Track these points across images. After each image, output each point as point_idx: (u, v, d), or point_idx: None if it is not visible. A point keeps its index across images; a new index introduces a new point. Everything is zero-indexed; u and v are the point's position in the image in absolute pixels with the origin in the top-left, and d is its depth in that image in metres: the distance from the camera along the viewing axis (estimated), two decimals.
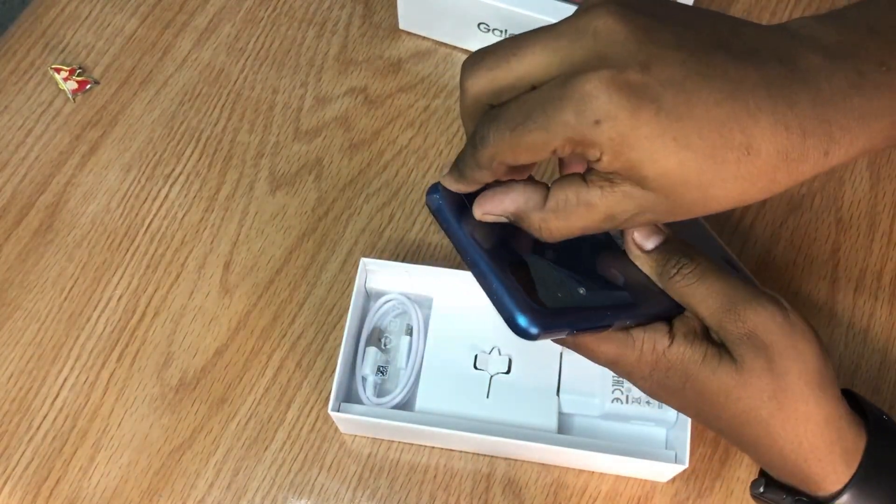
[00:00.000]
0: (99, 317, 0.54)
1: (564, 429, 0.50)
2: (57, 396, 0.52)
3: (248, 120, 0.61)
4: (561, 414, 0.49)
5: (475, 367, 0.50)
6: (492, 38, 0.60)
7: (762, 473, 0.43)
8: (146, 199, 0.58)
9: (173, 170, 0.59)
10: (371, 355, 0.50)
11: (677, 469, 0.47)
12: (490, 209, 0.36)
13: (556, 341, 0.41)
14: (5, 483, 0.50)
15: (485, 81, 0.33)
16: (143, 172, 0.59)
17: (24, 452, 0.51)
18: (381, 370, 0.51)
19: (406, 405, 0.50)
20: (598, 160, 0.31)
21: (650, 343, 0.38)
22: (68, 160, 0.59)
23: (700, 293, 0.38)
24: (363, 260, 0.50)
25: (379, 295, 0.52)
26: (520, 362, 0.50)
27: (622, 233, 0.40)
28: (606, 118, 0.30)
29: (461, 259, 0.36)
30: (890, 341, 0.54)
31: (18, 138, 0.59)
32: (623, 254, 0.40)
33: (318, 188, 0.58)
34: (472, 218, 0.36)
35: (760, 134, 0.30)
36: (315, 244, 0.57)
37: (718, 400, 0.38)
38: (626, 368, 0.39)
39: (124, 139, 0.60)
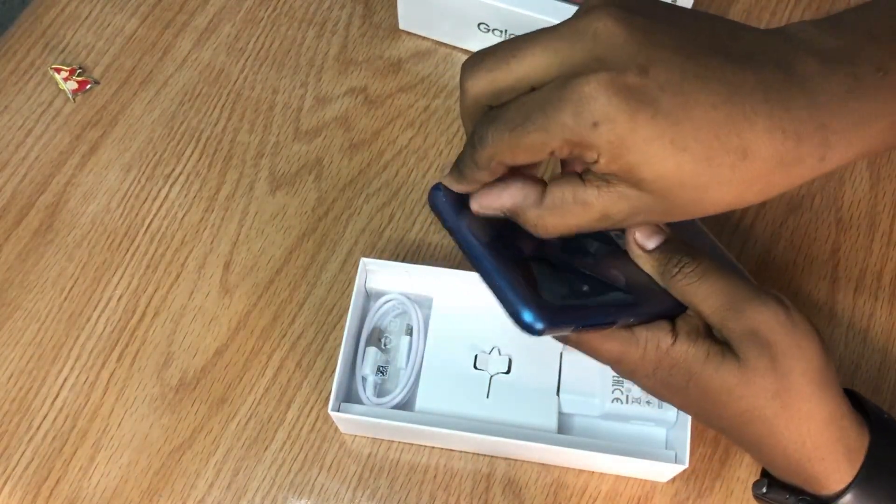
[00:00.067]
0: (99, 317, 0.54)
1: (564, 429, 0.50)
2: (57, 396, 0.52)
3: (248, 120, 0.61)
4: (561, 414, 0.49)
5: (475, 367, 0.50)
6: (492, 39, 0.60)
7: (764, 474, 0.43)
8: (146, 199, 0.58)
9: (173, 170, 0.59)
10: (371, 355, 0.50)
11: (677, 469, 0.47)
12: (487, 203, 0.36)
13: (559, 339, 0.41)
14: (5, 483, 0.50)
15: (484, 83, 0.33)
16: (143, 172, 0.59)
17: (24, 452, 0.51)
18: (381, 370, 0.51)
19: (406, 405, 0.50)
20: (596, 161, 0.31)
21: (653, 341, 0.38)
22: (68, 160, 0.59)
23: (702, 292, 0.38)
24: (363, 260, 0.50)
25: (379, 295, 0.52)
26: (520, 362, 0.50)
27: (624, 233, 0.40)
28: (605, 120, 0.30)
29: (465, 258, 0.36)
30: (890, 341, 0.54)
31: (18, 138, 0.60)
32: (624, 253, 0.40)
33: (318, 188, 0.58)
34: (474, 217, 0.36)
35: (756, 138, 0.31)
36: (315, 244, 0.57)
37: (721, 398, 0.38)
38: (629, 367, 0.39)
39: (124, 139, 0.60)
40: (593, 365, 0.49)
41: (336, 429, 0.52)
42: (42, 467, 0.51)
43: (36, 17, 0.63)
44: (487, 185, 0.35)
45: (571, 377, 0.50)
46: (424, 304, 0.52)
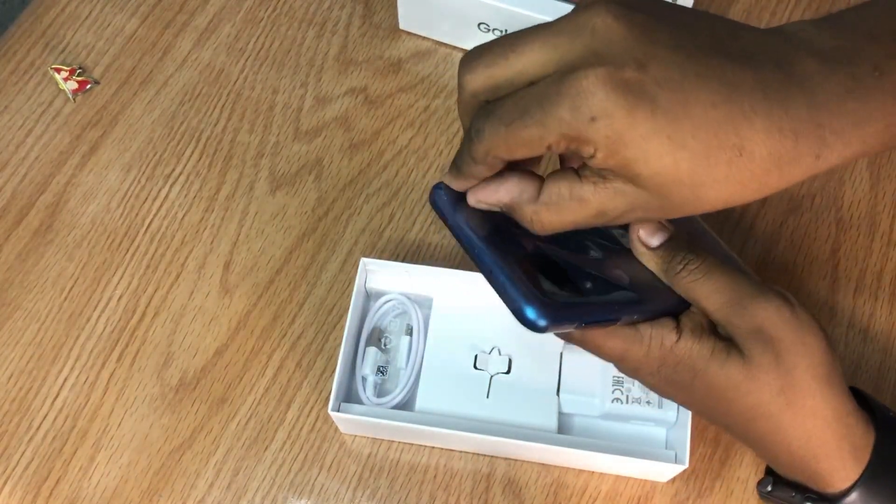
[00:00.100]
0: (99, 317, 0.54)
1: (564, 429, 0.50)
2: (57, 396, 0.52)
3: (248, 120, 0.61)
4: (561, 414, 0.49)
5: (475, 367, 0.50)
6: (492, 39, 0.59)
7: (768, 472, 0.43)
8: (146, 199, 0.58)
9: (173, 170, 0.59)
10: (371, 355, 0.50)
11: (677, 469, 0.47)
12: (484, 198, 0.36)
13: (562, 336, 0.41)
14: (5, 483, 0.50)
15: (482, 78, 0.33)
16: (143, 172, 0.59)
17: (24, 452, 0.51)
18: (381, 370, 0.51)
19: (406, 405, 0.50)
20: (593, 157, 0.31)
21: (658, 338, 0.38)
22: (68, 160, 0.59)
23: (706, 289, 0.38)
24: (363, 260, 0.50)
25: (379, 295, 0.52)
26: (520, 362, 0.50)
27: (627, 230, 0.40)
28: (602, 115, 0.30)
29: (467, 255, 0.36)
30: (890, 341, 0.54)
31: (18, 138, 0.60)
32: (628, 251, 0.40)
33: (318, 188, 0.58)
34: (475, 215, 0.36)
35: (754, 136, 0.31)
36: (315, 244, 0.57)
37: (727, 395, 0.38)
38: (634, 364, 0.39)
39: (124, 139, 0.60)
40: (593, 365, 0.49)
41: (336, 429, 0.52)
42: (42, 467, 0.51)
43: (36, 17, 0.64)
44: (485, 180, 0.35)
45: (571, 377, 0.50)
46: (424, 304, 0.52)
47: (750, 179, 0.31)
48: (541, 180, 0.34)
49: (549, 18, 0.56)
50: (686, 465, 0.46)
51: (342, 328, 0.53)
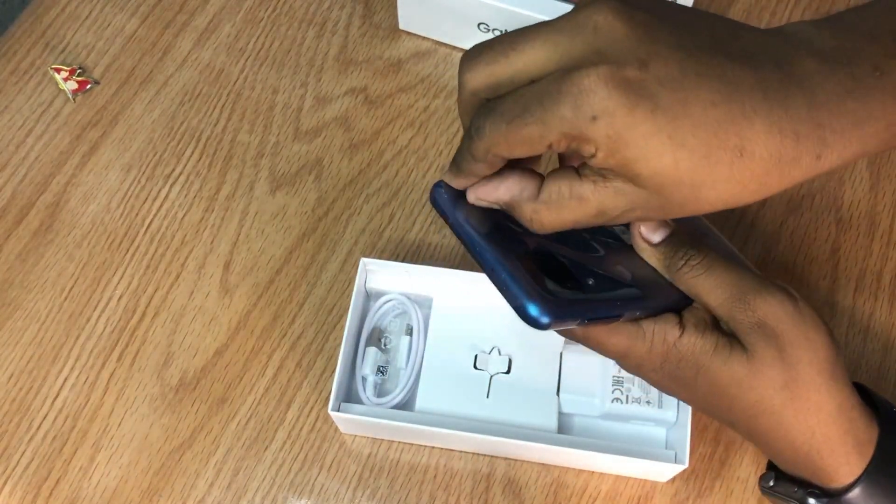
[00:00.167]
0: (99, 317, 0.54)
1: (564, 429, 0.50)
2: (57, 396, 0.52)
3: (248, 120, 0.61)
4: (561, 414, 0.49)
5: (475, 367, 0.50)
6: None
7: (770, 467, 0.43)
8: (146, 199, 0.58)
9: (173, 170, 0.59)
10: (371, 355, 0.50)
11: (677, 469, 0.47)
12: (484, 195, 0.36)
13: (564, 333, 0.40)
14: (5, 483, 0.50)
15: (483, 76, 0.33)
16: (144, 172, 0.59)
17: (24, 452, 0.51)
18: (381, 370, 0.51)
19: (406, 405, 0.50)
20: (593, 156, 0.31)
21: (661, 334, 0.38)
22: (68, 160, 0.59)
23: (709, 284, 0.38)
24: (363, 260, 0.50)
25: (379, 295, 0.52)
26: (520, 362, 0.50)
27: (628, 227, 0.40)
28: (603, 114, 0.30)
29: (468, 253, 0.36)
30: (890, 341, 0.54)
31: (18, 138, 0.60)
32: (630, 247, 0.40)
33: (318, 188, 0.58)
34: (476, 213, 0.36)
35: (754, 136, 0.31)
36: (315, 244, 0.57)
37: (730, 391, 0.38)
38: (636, 361, 0.39)
39: (124, 139, 0.60)
40: (593, 365, 0.49)
41: (336, 429, 0.52)
42: (42, 467, 0.51)
43: (36, 17, 0.64)
44: (485, 178, 0.35)
45: (571, 377, 0.50)
46: (424, 304, 0.52)
47: (750, 180, 0.31)
48: (541, 179, 0.34)
49: (549, 18, 0.57)
50: (686, 465, 0.46)
51: (342, 328, 0.53)
